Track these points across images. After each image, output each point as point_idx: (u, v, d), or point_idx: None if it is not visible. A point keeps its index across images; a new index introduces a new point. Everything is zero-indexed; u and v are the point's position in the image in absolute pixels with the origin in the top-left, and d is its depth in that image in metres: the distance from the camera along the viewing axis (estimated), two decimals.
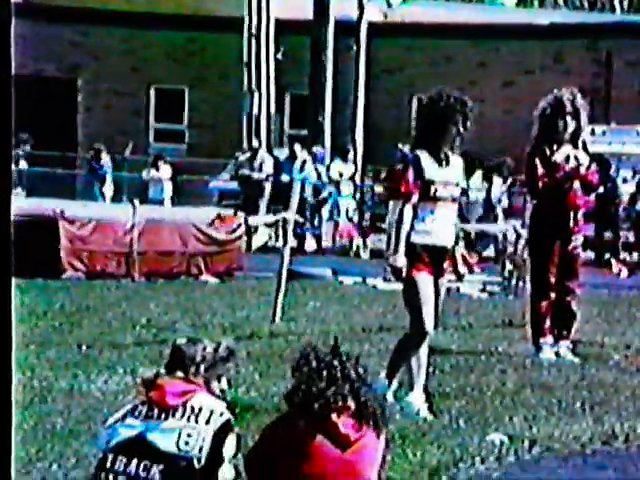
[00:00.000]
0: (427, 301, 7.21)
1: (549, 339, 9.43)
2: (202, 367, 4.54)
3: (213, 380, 4.56)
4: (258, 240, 21.30)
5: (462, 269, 7.41)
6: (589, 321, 10.93)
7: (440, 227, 7.22)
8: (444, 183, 7.20)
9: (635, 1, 48.91)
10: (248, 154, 24.45)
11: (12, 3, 2.74)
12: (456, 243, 7.36)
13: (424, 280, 7.17)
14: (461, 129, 7.24)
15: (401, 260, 7.13)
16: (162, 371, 4.51)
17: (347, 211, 21.99)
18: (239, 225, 16.66)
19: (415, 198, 7.16)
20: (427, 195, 7.17)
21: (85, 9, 30.15)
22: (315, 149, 24.21)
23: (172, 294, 13.42)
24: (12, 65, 2.73)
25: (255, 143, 25.26)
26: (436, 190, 7.18)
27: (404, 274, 7.18)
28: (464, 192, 7.43)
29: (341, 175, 22.25)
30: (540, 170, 9.35)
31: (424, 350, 7.36)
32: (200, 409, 4.40)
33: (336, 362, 4.08)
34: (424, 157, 7.22)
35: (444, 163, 7.24)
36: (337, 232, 22.13)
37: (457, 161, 7.35)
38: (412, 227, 7.17)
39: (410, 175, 7.18)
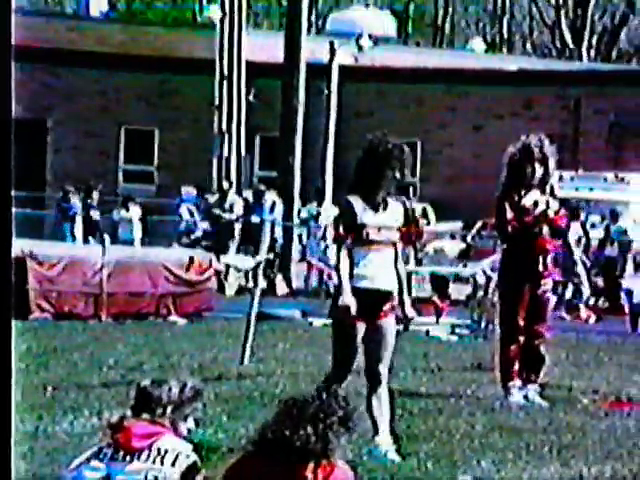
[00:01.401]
0: (355, 350, 7.30)
1: (518, 382, 9.45)
2: (168, 408, 4.51)
3: (180, 421, 4.54)
4: (232, 286, 21.25)
5: (410, 312, 7.45)
6: (557, 364, 10.96)
7: (376, 271, 7.31)
8: (378, 227, 7.31)
9: (602, 50, 49.57)
10: (217, 195, 24.47)
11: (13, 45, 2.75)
12: (404, 287, 7.43)
13: (358, 330, 7.26)
14: (397, 175, 7.36)
15: (349, 299, 7.21)
16: (128, 413, 4.48)
17: (325, 251, 22.00)
18: (209, 266, 16.64)
19: (348, 242, 7.30)
20: (361, 239, 7.29)
21: (56, 50, 30.19)
22: (184, 190, 24.39)
23: (140, 335, 13.35)
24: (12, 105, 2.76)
25: (225, 184, 25.30)
26: (368, 234, 7.28)
27: (351, 314, 7.22)
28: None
29: (318, 215, 22.26)
30: (509, 214, 9.42)
31: (384, 392, 7.39)
32: (166, 451, 4.38)
33: (313, 407, 4.05)
34: (357, 202, 7.33)
35: (380, 208, 7.35)
36: (310, 271, 22.07)
37: (395, 206, 7.45)
38: (350, 271, 7.29)
39: (343, 220, 7.33)
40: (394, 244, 7.39)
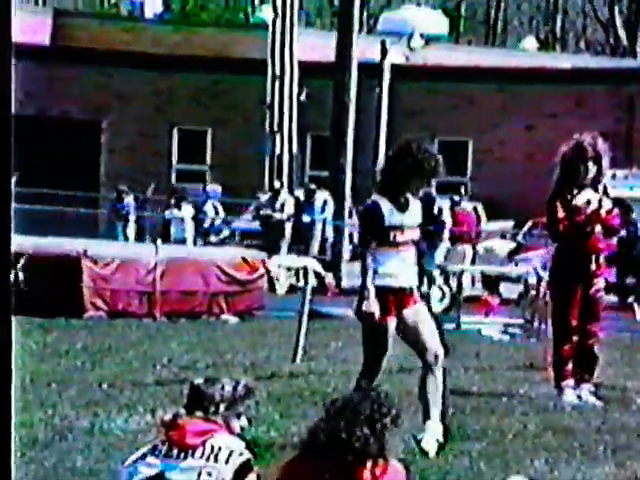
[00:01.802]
0: (387, 348, 7.38)
1: (571, 382, 9.39)
2: (221, 406, 4.55)
3: (233, 419, 4.57)
4: (282, 286, 21.28)
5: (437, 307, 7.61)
6: (611, 365, 10.87)
7: (401, 269, 7.35)
8: (403, 228, 7.35)
9: None
10: (269, 194, 24.55)
11: (13, 43, 2.81)
12: (421, 283, 7.53)
13: (388, 328, 7.34)
14: (425, 184, 7.42)
15: (373, 305, 7.27)
16: (182, 411, 4.52)
17: None
18: (261, 265, 16.70)
19: (374, 244, 7.32)
20: (387, 241, 7.32)
21: (111, 51, 30.47)
22: (209, 187, 24.30)
23: (193, 333, 13.43)
24: (12, 101, 2.81)
25: (277, 184, 25.37)
26: (395, 236, 7.32)
27: (376, 318, 7.30)
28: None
29: None
30: (561, 214, 9.36)
31: (439, 375, 7.44)
32: (220, 448, 4.41)
33: (367, 405, 4.07)
34: (384, 204, 7.34)
35: (404, 208, 7.38)
36: None
37: (415, 205, 7.46)
38: (375, 271, 7.32)
39: (369, 222, 7.34)
40: (415, 242, 7.45)
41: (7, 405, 2.73)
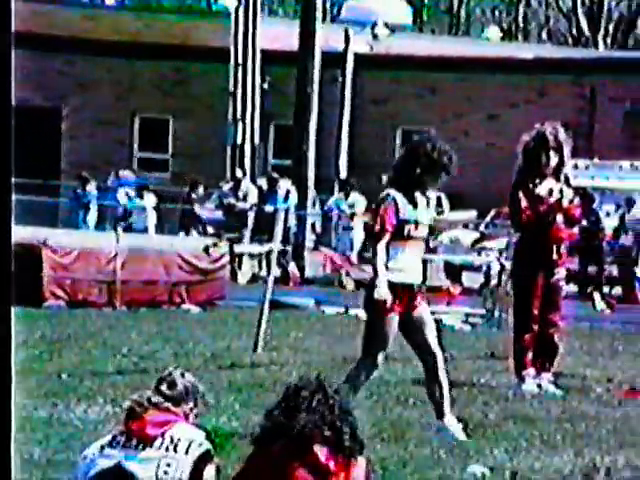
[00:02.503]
0: (387, 342, 7.43)
1: (532, 371, 9.43)
2: (182, 397, 4.52)
3: (191, 410, 4.55)
4: (245, 275, 21.23)
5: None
6: (571, 354, 10.93)
7: (410, 264, 7.45)
8: (417, 224, 7.45)
9: (619, 38, 49.33)
10: (231, 184, 24.47)
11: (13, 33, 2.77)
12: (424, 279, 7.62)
13: (393, 320, 7.40)
14: (442, 178, 7.49)
15: (385, 292, 7.31)
16: (147, 393, 4.49)
17: (351, 241, 21.89)
18: (223, 254, 16.65)
19: (388, 237, 7.39)
20: (400, 235, 7.40)
21: (72, 38, 30.20)
22: (122, 173, 24.19)
23: (154, 323, 13.37)
24: (12, 92, 2.77)
25: (239, 173, 25.29)
26: (409, 230, 7.42)
27: (388, 305, 7.34)
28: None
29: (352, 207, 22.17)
30: (524, 203, 9.39)
31: (443, 374, 7.54)
32: (179, 439, 4.39)
33: (320, 393, 4.06)
34: (400, 198, 7.44)
35: (417, 204, 7.49)
36: (331, 264, 21.93)
37: (425, 202, 7.58)
38: (385, 265, 7.39)
39: (388, 215, 7.39)
40: (424, 239, 7.59)
41: (7, 402, 2.69)
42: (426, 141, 7.53)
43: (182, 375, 4.57)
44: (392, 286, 7.35)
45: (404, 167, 7.50)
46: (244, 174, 25.44)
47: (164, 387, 4.51)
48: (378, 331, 7.41)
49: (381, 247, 7.38)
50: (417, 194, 7.47)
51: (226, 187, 24.46)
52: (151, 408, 4.46)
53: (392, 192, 7.46)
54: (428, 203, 7.53)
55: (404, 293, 7.40)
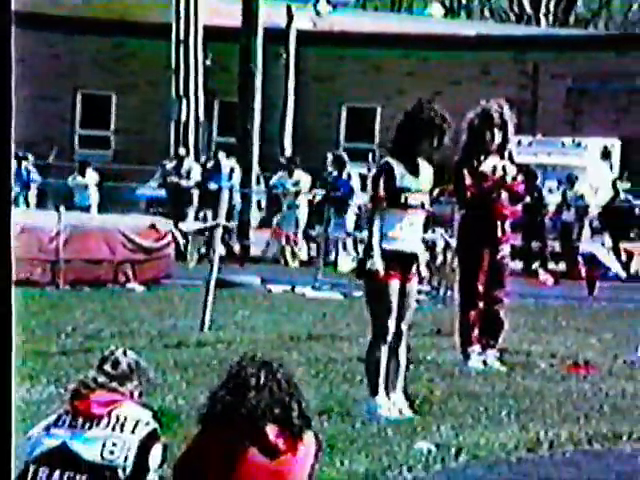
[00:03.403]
0: (392, 307, 7.40)
1: (477, 348, 9.49)
2: (127, 375, 4.48)
3: (137, 388, 4.51)
4: (192, 255, 21.08)
5: (424, 271, 7.63)
6: (516, 330, 11.02)
7: (409, 234, 7.44)
8: (415, 191, 7.41)
9: (560, 15, 49.69)
10: (175, 162, 24.31)
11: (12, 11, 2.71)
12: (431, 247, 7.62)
13: (392, 287, 7.38)
14: (435, 143, 7.44)
15: (379, 262, 7.29)
16: (91, 373, 4.45)
17: (296, 220, 21.83)
18: (167, 232, 16.54)
19: (382, 205, 7.36)
20: (398, 203, 7.37)
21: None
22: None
23: (98, 302, 13.26)
24: (12, 70, 2.70)
25: (182, 151, 25.13)
26: (407, 198, 7.39)
27: (380, 276, 7.32)
28: (438, 197, 7.78)
29: (297, 184, 22.09)
30: (468, 180, 9.42)
31: (403, 350, 7.52)
32: (125, 418, 4.35)
33: (265, 371, 4.03)
34: (397, 165, 7.41)
35: (415, 171, 7.45)
36: (277, 238, 21.85)
37: (427, 169, 7.57)
38: (383, 234, 7.37)
39: (380, 182, 7.38)
40: (424, 207, 7.52)
41: (7, 395, 2.64)
42: (421, 102, 7.54)
43: (124, 353, 4.53)
44: (389, 254, 7.32)
45: (401, 132, 7.48)
46: (187, 152, 25.27)
47: (108, 366, 4.46)
48: (379, 299, 7.36)
49: (377, 216, 7.37)
50: (420, 161, 7.44)
51: (169, 165, 24.29)
52: (97, 388, 4.42)
53: (389, 160, 7.45)
54: (421, 170, 7.45)
55: (401, 262, 7.37)
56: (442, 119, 7.44)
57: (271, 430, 3.98)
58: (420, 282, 7.91)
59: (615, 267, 14.72)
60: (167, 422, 6.17)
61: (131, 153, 29.01)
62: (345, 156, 22.47)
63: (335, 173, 21.78)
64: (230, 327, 11.38)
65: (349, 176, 21.71)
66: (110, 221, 17.10)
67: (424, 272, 7.66)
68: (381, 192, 7.35)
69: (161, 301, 13.79)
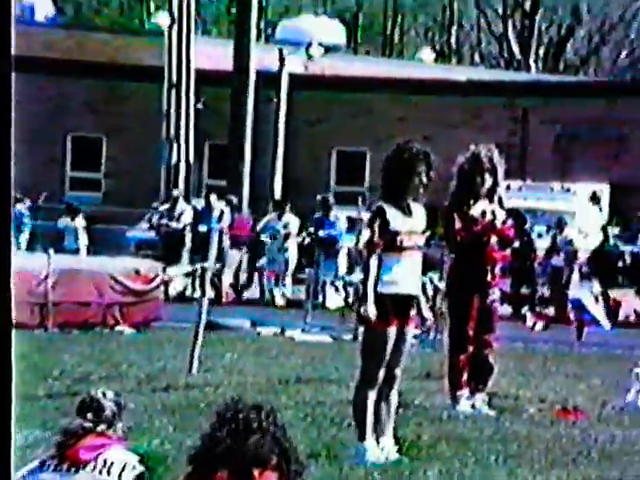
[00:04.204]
0: (385, 355, 7.38)
1: (466, 392, 9.46)
2: (114, 416, 4.46)
3: (123, 432, 4.49)
4: (176, 286, 21.06)
5: (427, 314, 7.63)
6: (505, 374, 11.00)
7: (406, 276, 7.44)
8: (409, 233, 7.44)
9: (549, 61, 50.07)
10: (168, 204, 24.33)
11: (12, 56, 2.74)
12: (423, 290, 7.61)
13: (389, 335, 7.37)
14: (424, 180, 7.46)
15: (372, 309, 7.30)
16: (76, 422, 4.43)
17: (286, 262, 21.82)
18: (157, 275, 16.52)
19: (378, 250, 7.37)
20: (393, 245, 7.40)
21: None
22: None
23: (87, 345, 13.21)
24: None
25: (175, 192, 25.17)
26: (402, 240, 7.42)
27: (372, 323, 7.33)
28: (428, 241, 7.78)
29: (285, 226, 22.12)
30: (458, 224, 9.44)
31: (394, 394, 7.51)
32: (112, 462, 4.32)
33: (266, 416, 4.02)
34: (389, 208, 7.45)
35: (408, 213, 7.48)
36: (264, 280, 21.83)
37: (420, 210, 7.60)
38: (380, 278, 7.36)
39: (375, 227, 7.41)
40: (420, 248, 7.54)
41: (7, 413, 2.63)
42: (400, 145, 7.60)
43: (104, 395, 4.51)
44: (387, 299, 7.32)
45: (386, 175, 7.55)
46: (180, 194, 25.30)
47: (92, 412, 4.44)
48: (373, 345, 7.35)
49: (373, 262, 7.36)
50: (411, 202, 7.48)
51: (162, 207, 24.30)
52: (86, 434, 4.39)
53: (381, 203, 7.49)
54: (413, 211, 7.50)
55: (400, 306, 7.36)
56: (424, 154, 7.50)
57: (265, 475, 3.96)
58: (423, 325, 7.87)
59: (601, 317, 14.69)
60: (154, 465, 6.14)
61: (121, 195, 29.02)
62: (331, 199, 22.57)
63: (320, 215, 21.88)
64: (219, 370, 11.33)
65: (336, 218, 21.80)
66: (99, 264, 17.08)
67: (429, 315, 7.63)
68: (376, 236, 7.37)
69: (150, 343, 13.74)
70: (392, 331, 7.37)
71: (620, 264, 21.65)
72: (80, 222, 24.16)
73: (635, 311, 20.57)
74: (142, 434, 7.47)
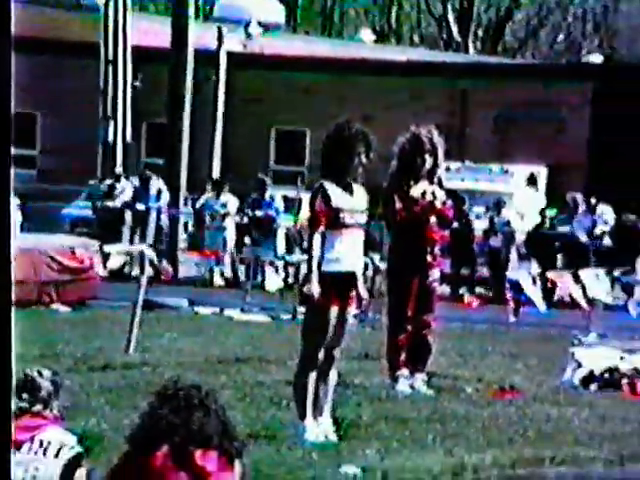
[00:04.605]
0: (327, 335, 7.39)
1: (405, 372, 9.50)
2: (51, 399, 4.39)
3: (60, 411, 4.42)
4: (114, 264, 20.82)
5: (363, 292, 7.59)
6: (443, 354, 11.06)
7: (348, 254, 7.46)
8: (351, 210, 7.45)
9: (488, 43, 50.35)
10: (109, 181, 24.09)
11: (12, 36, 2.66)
12: (364, 270, 7.67)
13: (331, 314, 7.39)
14: (364, 160, 7.49)
15: (315, 288, 7.30)
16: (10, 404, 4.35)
17: (224, 241, 21.72)
18: (93, 253, 16.34)
19: (321, 228, 7.39)
20: (336, 223, 7.42)
21: None
22: None
23: (22, 323, 13.03)
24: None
25: (118, 170, 24.93)
26: (344, 218, 7.44)
27: (316, 300, 7.33)
28: (368, 221, 7.82)
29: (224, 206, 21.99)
30: (398, 204, 9.45)
31: (333, 374, 7.52)
32: (50, 442, 4.27)
33: (193, 395, 3.97)
34: (330, 186, 7.45)
35: (349, 192, 7.50)
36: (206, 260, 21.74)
37: (360, 190, 7.62)
38: (322, 255, 7.37)
39: (317, 204, 7.41)
40: (361, 226, 7.56)
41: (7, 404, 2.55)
42: (338, 124, 7.60)
43: (40, 374, 4.44)
44: (329, 277, 7.31)
45: (326, 154, 7.56)
46: (122, 171, 25.08)
47: (28, 392, 4.37)
48: (316, 326, 7.35)
49: (316, 239, 7.38)
50: (347, 181, 7.49)
51: (103, 185, 24.06)
52: (21, 415, 4.32)
53: (323, 182, 7.50)
54: (354, 190, 7.51)
55: (341, 284, 7.36)
56: (363, 134, 7.52)
57: (204, 455, 3.92)
58: (360, 305, 7.88)
59: (537, 299, 14.80)
60: (91, 445, 6.07)
61: (57, 173, 28.69)
62: (267, 179, 22.55)
63: (256, 196, 21.84)
64: (156, 349, 11.26)
65: (272, 198, 21.77)
66: (34, 241, 16.86)
67: (365, 295, 7.64)
68: (320, 214, 7.38)
69: (87, 322, 13.61)
70: (334, 311, 7.39)
71: (557, 245, 21.88)
72: (15, 200, 23.85)
73: (569, 295, 20.80)
74: (79, 414, 7.38)
